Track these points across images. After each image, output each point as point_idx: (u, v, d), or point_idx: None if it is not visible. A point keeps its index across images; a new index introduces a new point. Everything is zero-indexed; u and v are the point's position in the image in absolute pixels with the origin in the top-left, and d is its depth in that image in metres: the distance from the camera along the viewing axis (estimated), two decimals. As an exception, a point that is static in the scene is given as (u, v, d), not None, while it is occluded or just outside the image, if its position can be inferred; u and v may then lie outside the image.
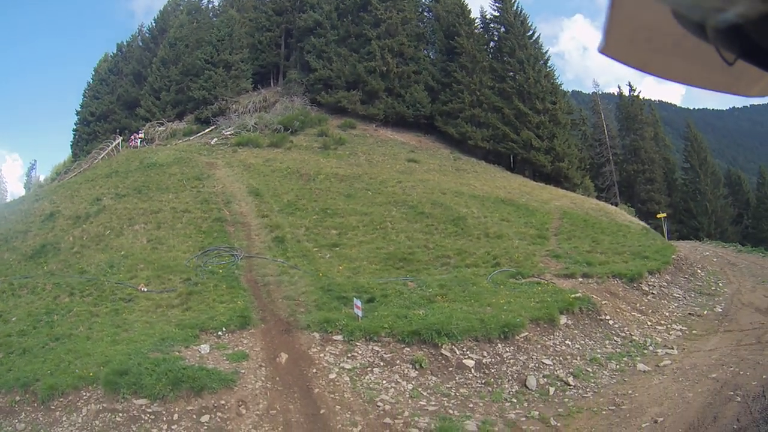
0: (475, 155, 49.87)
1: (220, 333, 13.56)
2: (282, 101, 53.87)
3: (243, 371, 11.36)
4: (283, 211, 26.17)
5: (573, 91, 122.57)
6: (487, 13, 60.96)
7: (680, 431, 8.83)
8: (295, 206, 26.95)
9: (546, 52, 58.42)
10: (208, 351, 12.41)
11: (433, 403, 10.83)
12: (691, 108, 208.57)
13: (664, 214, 41.13)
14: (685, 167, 63.97)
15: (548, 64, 57.46)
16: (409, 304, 15.19)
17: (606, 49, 1.52)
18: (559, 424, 10.01)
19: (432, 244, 22.32)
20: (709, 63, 1.38)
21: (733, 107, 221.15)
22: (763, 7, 1.13)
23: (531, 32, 57.42)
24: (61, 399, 10.30)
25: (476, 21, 59.66)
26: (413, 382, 11.34)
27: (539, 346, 13.09)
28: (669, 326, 15.46)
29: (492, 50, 59.00)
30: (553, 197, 34.36)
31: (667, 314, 16.44)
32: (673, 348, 13.63)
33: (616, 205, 46.33)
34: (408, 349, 12.38)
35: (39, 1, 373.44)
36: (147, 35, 68.70)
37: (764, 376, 10.17)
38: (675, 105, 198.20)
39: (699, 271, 21.66)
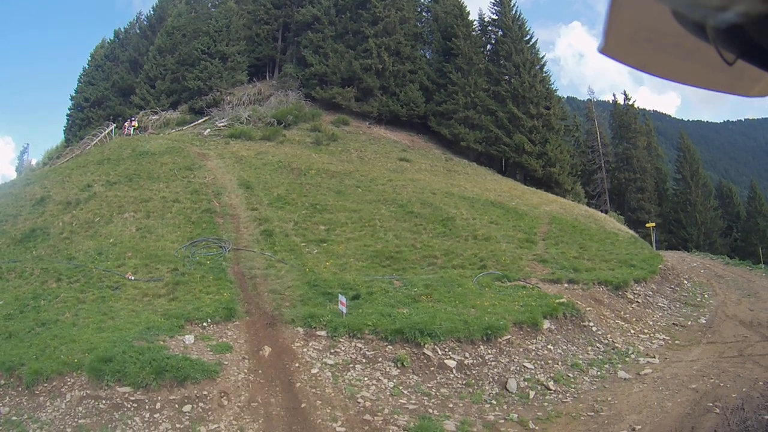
0: (467, 157, 50.01)
1: (205, 324, 13.63)
2: (276, 95, 53.72)
3: (226, 363, 11.43)
4: (272, 204, 26.15)
5: (568, 97, 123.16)
6: (485, 15, 61.20)
7: (657, 440, 8.91)
8: (285, 200, 26.95)
9: (542, 58, 58.60)
10: (192, 341, 12.46)
11: (414, 401, 10.93)
12: (686, 119, 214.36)
13: (653, 224, 41.46)
14: (677, 178, 64.59)
15: (544, 70, 57.53)
16: (393, 303, 15.28)
17: (606, 49, 1.54)
18: (537, 428, 10.12)
19: (419, 244, 22.37)
20: (709, 63, 1.40)
21: (727, 120, 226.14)
22: (763, 7, 1.14)
23: (528, 37, 57.69)
24: (46, 384, 10.37)
25: (474, 23, 59.79)
26: (394, 380, 11.43)
27: (521, 349, 13.18)
28: (652, 335, 15.56)
29: (488, 53, 59.05)
30: (543, 202, 34.44)
31: (650, 323, 16.54)
32: (655, 357, 13.71)
33: (606, 213, 46.54)
34: (390, 347, 12.47)
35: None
36: (145, 23, 68.39)
37: (744, 389, 10.23)
38: (669, 116, 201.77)
39: (685, 281, 21.81)
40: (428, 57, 59.40)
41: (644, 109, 78.08)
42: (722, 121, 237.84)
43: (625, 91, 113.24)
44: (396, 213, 26.28)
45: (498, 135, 50.58)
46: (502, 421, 10.48)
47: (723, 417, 8.58)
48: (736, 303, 18.94)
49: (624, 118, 65.56)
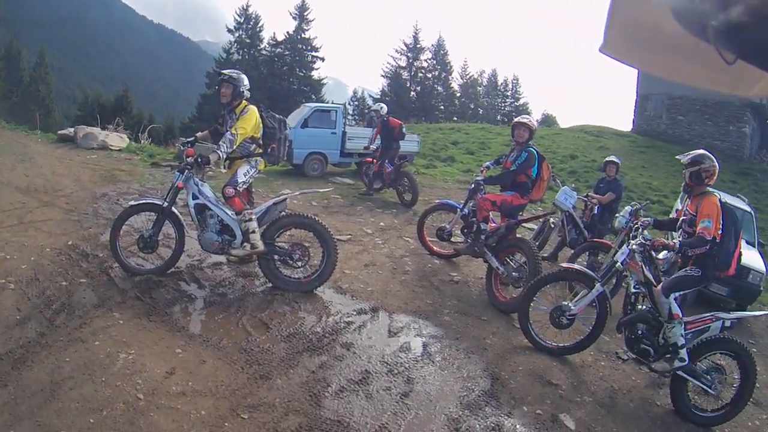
0: None
1: None
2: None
3: None
4: None
5: None
6: None
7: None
8: None
9: None
10: None
11: None
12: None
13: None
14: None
15: None
16: None
17: (607, 49, 1.54)
18: None
19: None
20: (709, 63, 1.38)
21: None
22: (763, 7, 1.15)
23: None
24: None
25: None
26: None
27: None
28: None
29: None
30: None
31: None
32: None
33: None
34: None
35: None
36: None
37: (33, 258, 7.59)
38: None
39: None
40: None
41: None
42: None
43: None
44: None
45: None
46: None
47: (20, 292, 6.57)
48: (11, 169, 15.06)
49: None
